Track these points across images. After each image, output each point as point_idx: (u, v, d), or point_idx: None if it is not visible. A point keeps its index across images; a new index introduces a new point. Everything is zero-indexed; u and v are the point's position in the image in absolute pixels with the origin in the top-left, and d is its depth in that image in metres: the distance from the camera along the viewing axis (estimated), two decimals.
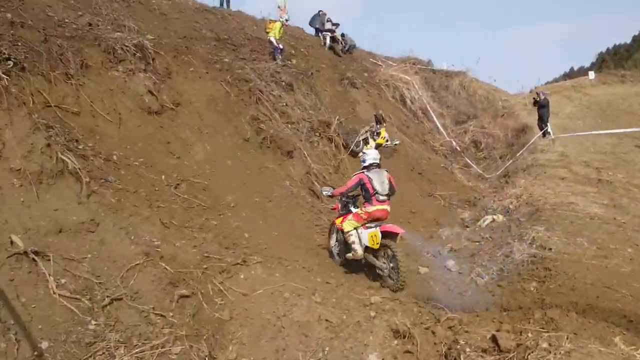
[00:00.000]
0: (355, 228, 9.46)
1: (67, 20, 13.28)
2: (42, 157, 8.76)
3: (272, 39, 18.44)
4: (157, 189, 10.25)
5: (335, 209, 10.33)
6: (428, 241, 12.45)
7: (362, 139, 16.34)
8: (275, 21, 18.99)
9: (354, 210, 9.70)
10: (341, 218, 9.85)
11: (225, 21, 20.92)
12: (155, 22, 16.69)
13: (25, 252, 7.20)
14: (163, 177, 10.70)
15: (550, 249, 10.41)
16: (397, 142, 17.20)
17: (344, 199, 10.08)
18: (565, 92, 34.70)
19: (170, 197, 10.26)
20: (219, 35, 18.61)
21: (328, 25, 23.86)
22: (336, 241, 10.22)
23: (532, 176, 16.60)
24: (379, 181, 9.36)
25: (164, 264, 8.28)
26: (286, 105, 15.76)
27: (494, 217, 13.34)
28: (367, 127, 16.65)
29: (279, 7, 24.38)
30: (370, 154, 9.80)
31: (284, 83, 16.83)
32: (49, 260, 7.34)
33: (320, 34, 24.26)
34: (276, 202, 11.96)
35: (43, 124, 9.32)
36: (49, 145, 8.99)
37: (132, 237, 8.70)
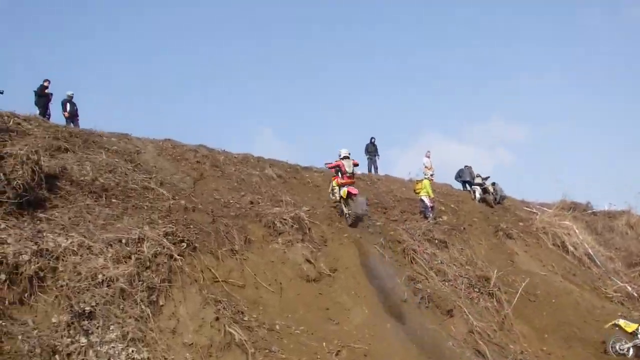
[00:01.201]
0: (338, 186, 16.20)
1: (231, 201, 14.61)
2: (211, 330, 9.34)
3: (423, 198, 18.79)
4: (318, 356, 10.33)
5: (330, 167, 16.72)
6: None
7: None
8: (422, 180, 19.45)
9: (339, 175, 16.35)
10: (335, 178, 16.56)
11: (375, 185, 21.71)
12: (309, 194, 17.78)
13: None
14: (324, 344, 10.77)
15: None
16: None
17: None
18: None
19: None
20: (369, 199, 19.27)
21: (478, 180, 23.82)
22: (332, 186, 16.73)
23: None
24: (348, 166, 16.16)
25: None
26: (441, 262, 15.59)
27: None
28: None
29: (425, 166, 25.11)
30: (343, 151, 16.57)
31: (437, 240, 16.81)
32: None
33: (470, 188, 24.27)
34: None
35: (212, 298, 10.04)
36: (217, 318, 9.59)
37: None
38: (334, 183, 16.49)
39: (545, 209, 24.88)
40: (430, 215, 18.62)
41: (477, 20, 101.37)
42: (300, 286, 12.34)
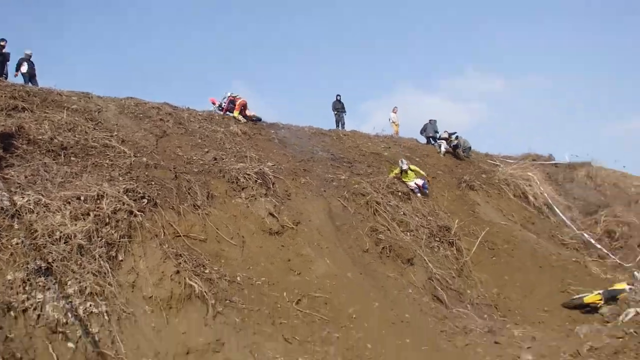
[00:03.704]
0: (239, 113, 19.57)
1: (194, 158, 14.60)
2: (171, 283, 9.49)
3: (411, 183, 18.35)
4: (279, 306, 10.57)
5: (227, 103, 19.46)
6: (564, 341, 11.52)
7: None
8: (395, 168, 18.92)
9: (227, 106, 19.77)
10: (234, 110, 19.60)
11: (341, 141, 21.80)
12: (274, 150, 17.80)
13: None
14: (285, 294, 11.02)
15: None
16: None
17: None
18: None
19: (292, 313, 10.52)
20: (335, 155, 19.39)
21: (444, 135, 24.04)
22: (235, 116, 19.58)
23: None
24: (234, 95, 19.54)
25: None
26: (404, 214, 15.88)
27: (638, 309, 12.14)
28: None
29: (391, 121, 25.27)
30: (228, 93, 19.60)
31: (400, 193, 17.06)
32: None
33: (435, 142, 24.52)
34: (399, 310, 11.75)
35: (173, 252, 10.16)
36: (178, 272, 9.73)
37: (256, 355, 9.03)
38: (235, 113, 19.26)
39: (508, 161, 25.38)
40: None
41: None
42: (262, 239, 12.48)
